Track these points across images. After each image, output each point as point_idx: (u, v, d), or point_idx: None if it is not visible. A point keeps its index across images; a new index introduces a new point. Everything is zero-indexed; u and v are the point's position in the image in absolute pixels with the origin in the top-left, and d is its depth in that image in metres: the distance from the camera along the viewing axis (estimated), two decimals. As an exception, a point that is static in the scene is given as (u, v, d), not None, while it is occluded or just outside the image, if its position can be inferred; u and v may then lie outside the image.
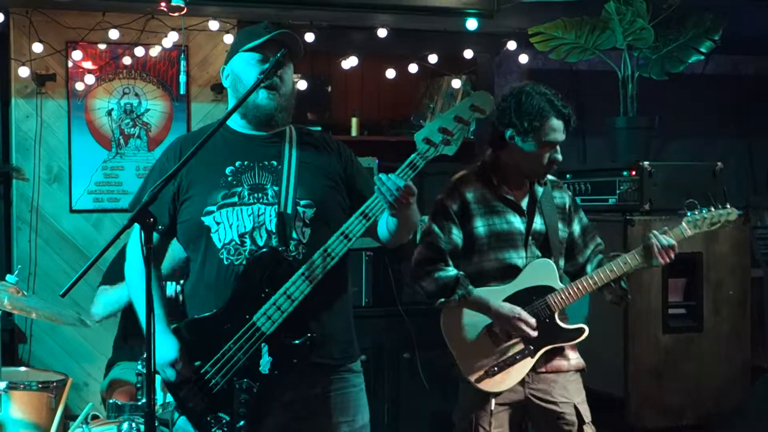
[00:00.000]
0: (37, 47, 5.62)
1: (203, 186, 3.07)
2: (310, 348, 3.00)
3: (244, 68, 3.10)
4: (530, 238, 3.76)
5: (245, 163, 3.09)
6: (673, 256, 3.73)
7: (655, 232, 3.74)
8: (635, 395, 4.92)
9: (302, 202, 3.07)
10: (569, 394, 3.79)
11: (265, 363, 2.98)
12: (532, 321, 3.68)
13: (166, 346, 3.03)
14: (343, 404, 3.13)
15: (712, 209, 3.83)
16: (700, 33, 5.46)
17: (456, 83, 6.29)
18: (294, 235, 3.04)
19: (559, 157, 3.74)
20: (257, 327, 2.96)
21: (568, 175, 5.50)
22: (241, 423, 2.98)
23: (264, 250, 3.00)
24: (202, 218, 3.04)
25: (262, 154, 3.11)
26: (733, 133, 7.44)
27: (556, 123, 3.68)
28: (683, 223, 3.81)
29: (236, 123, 3.15)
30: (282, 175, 3.08)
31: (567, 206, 3.89)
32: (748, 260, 5.23)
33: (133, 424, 3.87)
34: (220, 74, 3.23)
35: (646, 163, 5.03)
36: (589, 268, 3.86)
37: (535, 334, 3.68)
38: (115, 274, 4.69)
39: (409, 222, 3.06)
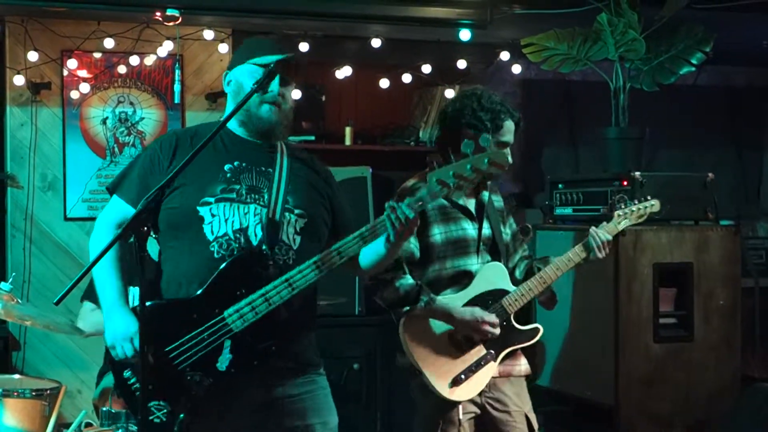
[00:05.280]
0: (33, 56, 5.64)
1: (200, 177, 3.07)
2: (272, 353, 3.01)
3: (249, 81, 3.11)
4: (481, 243, 3.83)
5: (243, 164, 3.12)
6: (608, 249, 3.88)
7: (593, 228, 3.89)
8: (626, 404, 4.94)
9: (296, 211, 3.11)
10: (521, 402, 3.88)
11: (223, 360, 2.98)
12: (496, 320, 3.73)
13: (126, 321, 3.02)
14: (315, 406, 3.14)
15: (636, 202, 4.06)
16: (691, 45, 5.48)
17: (449, 93, 6.31)
18: (285, 239, 3.07)
19: (511, 159, 3.81)
20: (226, 323, 2.96)
21: (560, 185, 5.52)
22: (182, 416, 2.94)
23: (249, 249, 3.02)
24: (198, 207, 3.04)
25: (258, 159, 3.14)
26: (725, 144, 7.48)
27: (510, 124, 3.80)
28: (614, 218, 4.00)
29: (236, 129, 3.19)
30: (273, 181, 3.12)
31: (504, 209, 4.00)
32: (738, 270, 5.24)
33: (127, 432, 3.88)
34: (222, 78, 3.25)
35: (637, 173, 5.05)
36: (517, 272, 3.97)
37: (498, 332, 3.74)
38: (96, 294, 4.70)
39: (395, 253, 3.14)
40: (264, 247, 3.03)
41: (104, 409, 4.03)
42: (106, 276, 3.12)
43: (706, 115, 7.32)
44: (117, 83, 5.91)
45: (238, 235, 3.03)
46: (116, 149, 5.90)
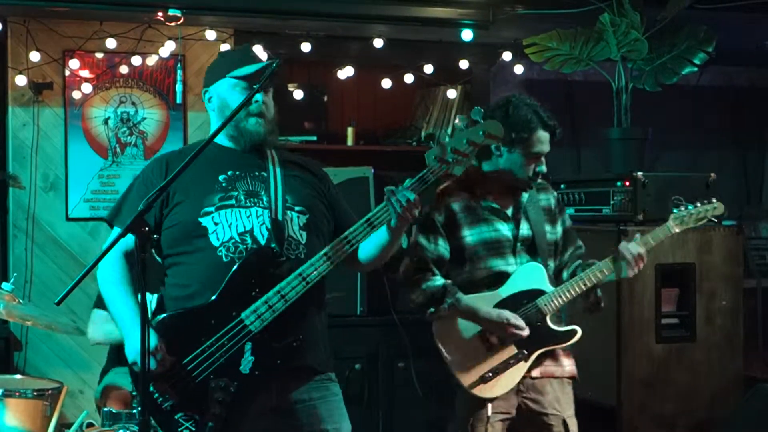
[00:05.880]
0: (35, 56, 5.64)
1: (197, 191, 3.10)
2: (294, 351, 3.02)
3: (232, 95, 3.16)
4: (518, 244, 3.79)
5: (237, 172, 3.15)
6: (642, 265, 3.73)
7: (623, 243, 3.75)
8: (628, 404, 4.94)
9: (297, 208, 3.15)
10: (560, 406, 3.82)
11: (246, 362, 2.99)
12: (521, 323, 3.69)
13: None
14: (328, 411, 3.17)
15: (698, 204, 3.88)
16: (693, 45, 5.48)
17: (452, 93, 6.32)
18: (293, 235, 3.10)
19: (544, 168, 3.77)
20: (245, 325, 2.98)
21: (562, 185, 5.52)
22: (210, 424, 2.95)
23: (259, 248, 3.04)
24: (200, 219, 3.07)
25: (250, 165, 3.18)
26: (727, 144, 7.47)
27: (543, 134, 3.73)
28: (670, 221, 3.85)
29: (225, 143, 3.22)
30: (270, 183, 3.14)
31: (553, 207, 3.93)
32: (741, 270, 5.24)
33: (128, 432, 3.88)
34: (202, 95, 3.26)
35: (639, 173, 5.05)
36: (565, 273, 3.91)
37: (525, 334, 3.70)
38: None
39: (398, 241, 3.14)
40: (273, 245, 3.04)
41: (105, 409, 4.03)
42: (119, 294, 3.13)
43: (708, 116, 7.32)
44: (119, 83, 5.91)
45: (244, 238, 3.06)
46: (118, 149, 5.90)
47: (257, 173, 3.16)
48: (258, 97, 3.11)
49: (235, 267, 3.01)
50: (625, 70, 5.51)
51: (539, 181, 3.90)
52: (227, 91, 3.17)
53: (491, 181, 3.79)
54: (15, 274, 4.87)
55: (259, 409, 3.05)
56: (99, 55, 5.82)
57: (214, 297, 3.00)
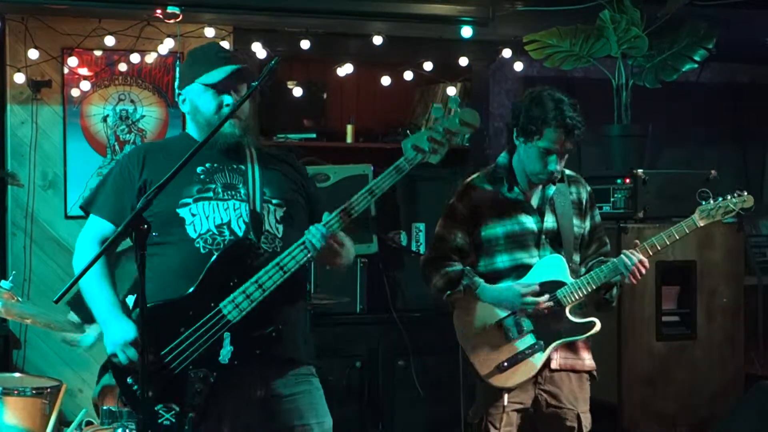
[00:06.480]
0: (33, 53, 5.62)
1: (174, 182, 3.07)
2: (273, 340, 3.03)
3: (201, 100, 3.16)
4: (543, 236, 3.79)
5: (215, 165, 3.17)
6: (643, 270, 3.70)
7: (624, 252, 3.71)
8: (629, 402, 4.93)
9: (274, 201, 3.17)
10: (576, 401, 3.83)
11: (225, 353, 3.00)
12: (536, 288, 3.69)
13: (123, 327, 3.05)
14: (311, 405, 3.18)
15: (728, 197, 3.80)
16: (694, 41, 5.47)
17: (451, 91, 6.31)
18: (269, 228, 3.12)
19: (555, 166, 3.71)
20: (223, 315, 3.00)
21: (562, 183, 5.51)
22: (191, 415, 2.97)
23: (237, 239, 3.05)
24: (177, 210, 3.09)
25: (228, 158, 3.19)
26: (728, 141, 7.47)
27: (552, 132, 3.67)
28: (695, 214, 3.79)
29: (201, 138, 3.20)
30: (248, 176, 3.16)
31: (584, 201, 3.90)
32: (741, 268, 5.24)
33: (127, 431, 3.87)
34: (176, 98, 3.27)
35: (640, 171, 5.05)
36: (583, 268, 3.89)
37: (544, 299, 3.69)
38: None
39: (337, 263, 3.19)
40: (251, 235, 3.06)
41: (104, 408, 4.03)
42: (97, 287, 3.14)
43: (709, 113, 7.31)
44: (118, 81, 5.89)
45: (221, 230, 3.08)
46: (117, 147, 5.88)
47: (235, 166, 3.18)
48: (228, 100, 3.13)
49: (214, 258, 3.03)
50: (626, 67, 5.50)
51: (570, 173, 3.91)
52: (197, 97, 3.18)
53: (517, 173, 3.80)
54: (14, 272, 4.85)
55: (242, 402, 3.06)
56: (98, 53, 5.80)
57: (192, 288, 3.02)
